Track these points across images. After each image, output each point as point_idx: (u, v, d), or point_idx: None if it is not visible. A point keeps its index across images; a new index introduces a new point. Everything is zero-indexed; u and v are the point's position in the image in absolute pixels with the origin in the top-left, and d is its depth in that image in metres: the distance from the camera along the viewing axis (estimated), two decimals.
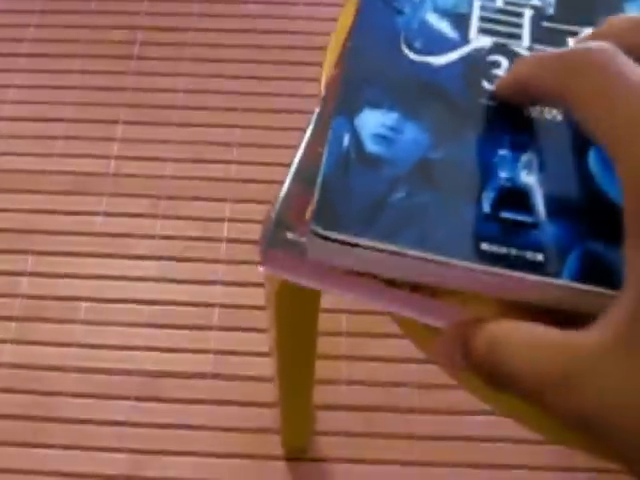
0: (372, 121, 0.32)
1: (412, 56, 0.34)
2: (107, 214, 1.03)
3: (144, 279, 0.98)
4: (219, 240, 1.01)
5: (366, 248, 0.28)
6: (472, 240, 0.28)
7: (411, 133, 0.31)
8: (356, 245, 0.28)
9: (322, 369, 0.90)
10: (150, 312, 0.96)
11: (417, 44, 0.35)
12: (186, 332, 0.95)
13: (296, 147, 0.34)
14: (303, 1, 1.24)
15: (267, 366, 0.91)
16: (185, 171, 1.07)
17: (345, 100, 0.32)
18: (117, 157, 1.08)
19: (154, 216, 1.03)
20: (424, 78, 0.33)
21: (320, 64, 0.44)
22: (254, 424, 0.89)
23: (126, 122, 1.12)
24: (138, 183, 1.06)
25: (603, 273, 0.27)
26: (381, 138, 0.31)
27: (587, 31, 0.35)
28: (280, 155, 1.07)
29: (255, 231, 0.99)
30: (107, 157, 1.08)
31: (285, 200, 0.32)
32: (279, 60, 1.18)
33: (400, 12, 0.36)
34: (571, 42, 0.35)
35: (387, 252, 0.28)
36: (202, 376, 0.92)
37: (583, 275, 0.27)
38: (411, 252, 0.28)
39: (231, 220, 1.03)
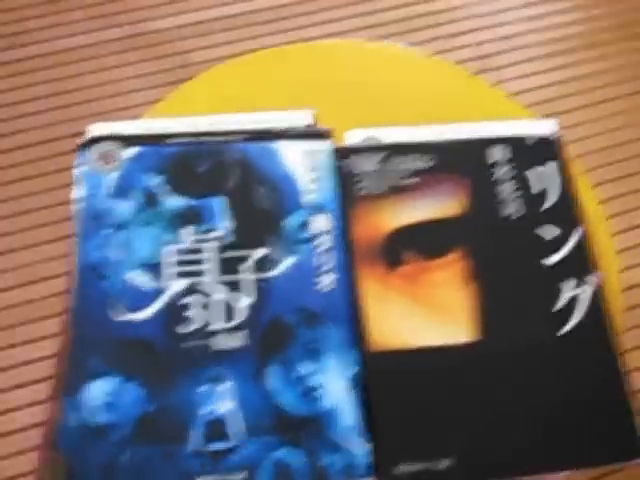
0: (96, 391, 0.36)
1: (120, 317, 0.37)
2: None
3: None
4: None
5: None
6: (188, 478, 0.34)
7: (130, 393, 0.36)
8: None
9: None
10: None
11: (122, 304, 0.38)
12: None
13: None
14: None
15: None
16: None
17: (70, 378, 0.36)
18: None
19: None
20: (132, 336, 0.37)
21: None
22: None
23: None
24: None
25: (287, 473, 0.35)
26: (106, 405, 0.36)
27: (259, 251, 0.40)
28: None
29: None
30: None
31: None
32: None
33: (104, 277, 0.38)
34: (248, 264, 0.39)
35: None
36: None
37: None
38: None
39: None
